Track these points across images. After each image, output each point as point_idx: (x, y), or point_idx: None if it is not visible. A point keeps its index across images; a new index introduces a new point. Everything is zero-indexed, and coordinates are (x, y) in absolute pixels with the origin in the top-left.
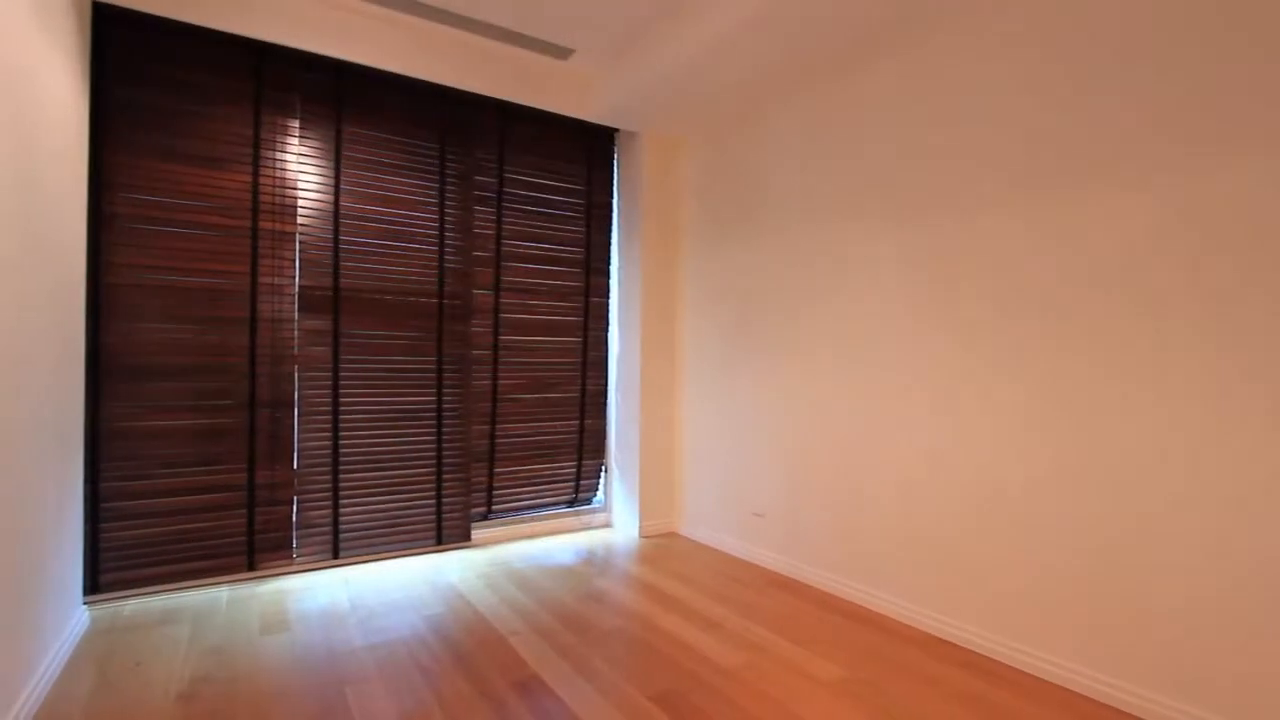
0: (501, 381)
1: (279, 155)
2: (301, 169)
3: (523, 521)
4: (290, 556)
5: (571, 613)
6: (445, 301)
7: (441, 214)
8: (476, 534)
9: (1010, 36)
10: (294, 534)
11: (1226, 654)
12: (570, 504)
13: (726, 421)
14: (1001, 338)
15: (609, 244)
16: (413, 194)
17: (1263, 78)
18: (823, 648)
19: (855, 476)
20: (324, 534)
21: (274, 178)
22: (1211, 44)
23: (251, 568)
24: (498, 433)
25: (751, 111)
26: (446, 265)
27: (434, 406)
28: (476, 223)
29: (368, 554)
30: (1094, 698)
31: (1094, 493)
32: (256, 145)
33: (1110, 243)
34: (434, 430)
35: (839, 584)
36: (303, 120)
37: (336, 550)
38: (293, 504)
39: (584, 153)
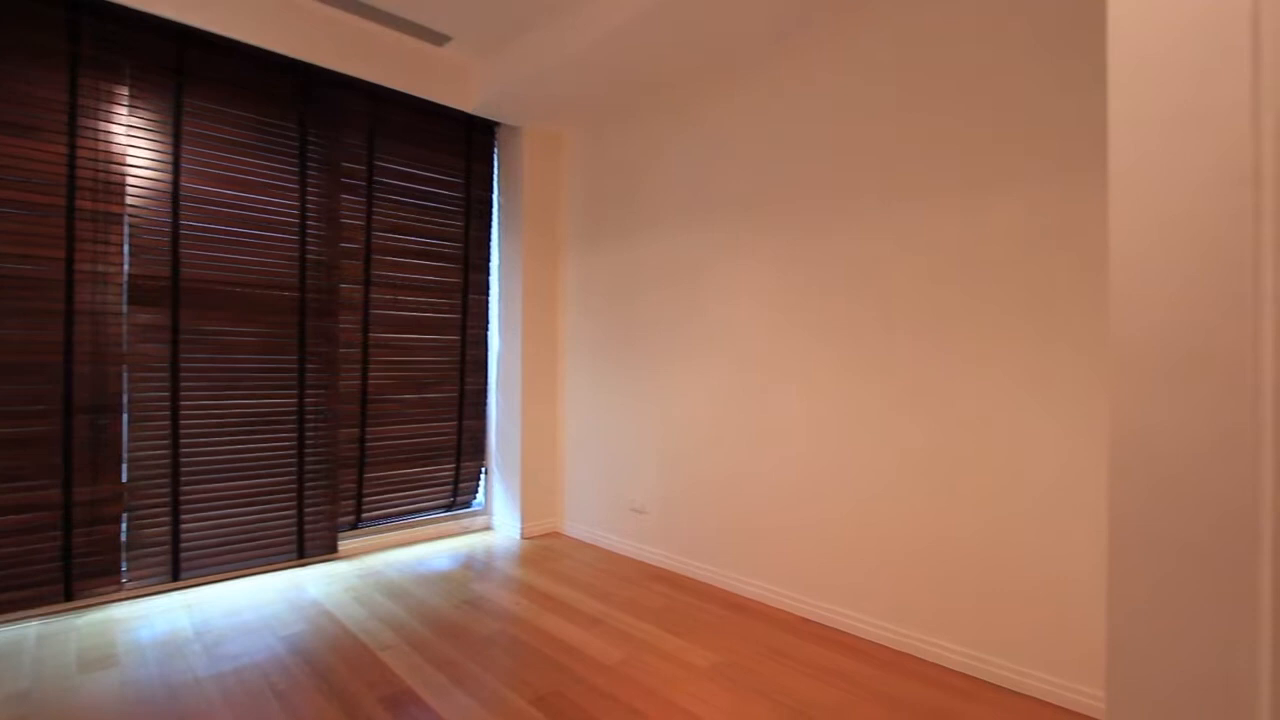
0: (372, 381)
1: (102, 125)
2: (132, 143)
3: (397, 529)
4: (119, 581)
5: (448, 621)
6: (308, 295)
7: (303, 201)
8: (344, 544)
9: (868, 60)
10: (123, 556)
11: (1058, 622)
12: (448, 508)
13: (609, 419)
14: (862, 339)
15: (489, 240)
16: (269, 178)
17: (1043, 121)
18: (700, 637)
19: (731, 470)
20: (161, 554)
21: (95, 150)
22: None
23: (69, 597)
24: (368, 436)
25: (631, 110)
26: (309, 257)
27: (295, 409)
28: (343, 212)
29: (215, 573)
30: (945, 665)
31: (943, 484)
32: (73, 112)
33: (943, 253)
34: (295, 434)
35: (718, 575)
36: (134, 87)
37: (177, 571)
38: (121, 522)
39: (463, 145)
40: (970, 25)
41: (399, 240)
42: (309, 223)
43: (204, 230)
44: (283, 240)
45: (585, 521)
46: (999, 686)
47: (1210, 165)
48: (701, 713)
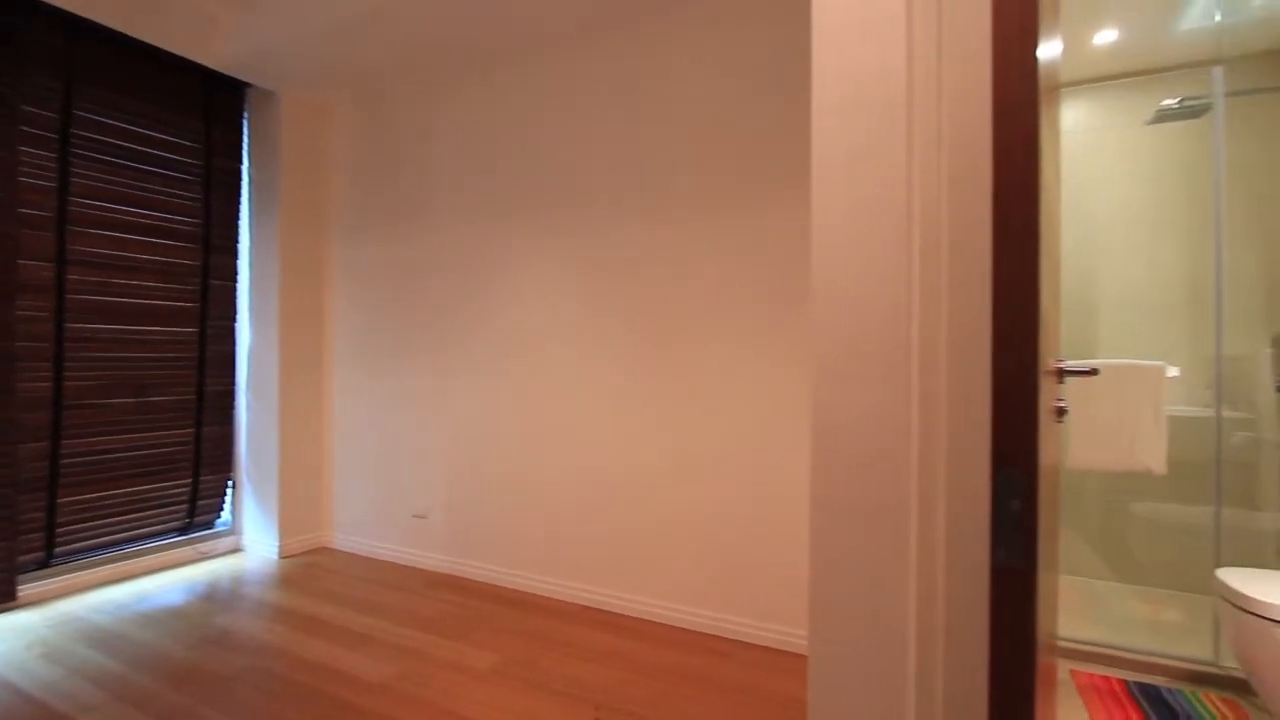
0: (71, 383)
1: None
2: None
3: (110, 561)
4: None
5: (181, 664)
6: None
7: None
8: (30, 589)
9: (641, 84)
10: None
11: (793, 580)
12: (184, 530)
13: (387, 420)
14: (635, 343)
15: (237, 218)
16: None
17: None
18: (481, 638)
19: (513, 468)
20: None
21: None
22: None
23: None
24: (63, 450)
25: (415, 88)
26: None
27: None
28: (25, 169)
29: None
30: (704, 631)
31: (703, 472)
32: None
33: (711, 264)
34: None
35: (501, 573)
36: None
37: None
38: None
39: (202, 104)
40: (698, 81)
41: (111, 211)
42: None
43: None
44: None
45: (358, 532)
46: (748, 643)
47: (882, 229)
48: (481, 716)
